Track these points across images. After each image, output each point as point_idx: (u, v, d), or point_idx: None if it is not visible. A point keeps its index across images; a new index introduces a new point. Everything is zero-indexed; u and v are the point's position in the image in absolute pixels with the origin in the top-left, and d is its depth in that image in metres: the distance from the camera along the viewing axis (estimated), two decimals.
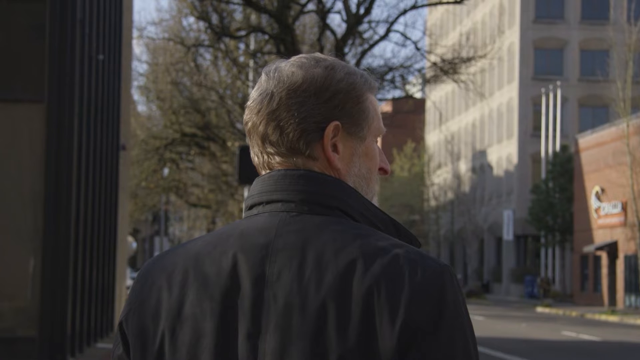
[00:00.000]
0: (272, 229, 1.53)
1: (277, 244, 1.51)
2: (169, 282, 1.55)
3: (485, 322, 29.28)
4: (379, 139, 1.68)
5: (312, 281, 1.46)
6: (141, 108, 42.40)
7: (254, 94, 1.61)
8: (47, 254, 11.77)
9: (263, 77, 1.61)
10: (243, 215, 1.61)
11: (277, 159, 1.58)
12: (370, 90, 1.63)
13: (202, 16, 25.35)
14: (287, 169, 1.57)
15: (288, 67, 1.59)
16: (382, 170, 1.66)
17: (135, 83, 38.67)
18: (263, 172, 1.61)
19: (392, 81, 26.19)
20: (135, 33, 36.89)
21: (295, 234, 1.51)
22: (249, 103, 1.61)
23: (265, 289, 1.48)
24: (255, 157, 1.61)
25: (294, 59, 1.61)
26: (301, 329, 1.44)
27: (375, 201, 1.66)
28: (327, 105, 1.56)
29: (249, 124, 1.60)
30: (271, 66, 1.62)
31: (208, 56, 34.35)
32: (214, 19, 26.10)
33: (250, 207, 1.59)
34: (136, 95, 41.01)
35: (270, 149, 1.58)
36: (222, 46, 29.18)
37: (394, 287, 1.44)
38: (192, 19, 32.19)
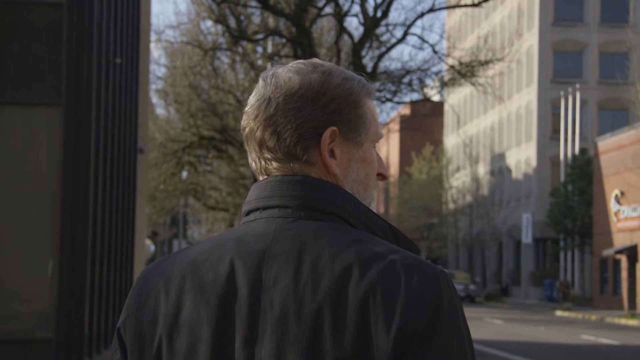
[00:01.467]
0: (269, 234, 1.53)
1: (274, 249, 1.51)
2: (167, 288, 1.55)
3: (504, 326, 29.18)
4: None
5: (308, 287, 1.46)
6: (160, 111, 42.56)
7: (251, 99, 1.61)
8: (64, 256, 11.83)
9: (260, 82, 1.61)
10: (241, 221, 1.61)
11: (275, 164, 1.58)
12: (368, 95, 1.63)
13: (220, 20, 25.41)
14: (284, 174, 1.57)
15: (285, 72, 1.59)
16: (381, 175, 1.66)
17: (153, 86, 38.82)
18: (261, 178, 1.61)
19: (410, 84, 26.16)
20: (153, 36, 37.05)
21: (292, 240, 1.51)
22: (246, 109, 1.62)
23: (262, 294, 1.48)
24: (253, 162, 1.62)
25: (291, 64, 1.61)
26: (297, 335, 1.44)
27: (373, 206, 1.65)
28: (324, 110, 1.56)
29: (247, 129, 1.60)
30: (268, 72, 1.62)
31: (226, 59, 34.44)
32: (232, 22, 26.16)
33: (248, 213, 1.60)
34: (155, 99, 41.15)
35: (267, 155, 1.58)
36: (239, 49, 29.24)
37: (389, 292, 1.44)
38: (210, 23, 32.27)
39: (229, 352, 1.48)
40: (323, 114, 1.56)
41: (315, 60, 1.63)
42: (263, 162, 1.59)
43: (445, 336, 1.44)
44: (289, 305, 1.46)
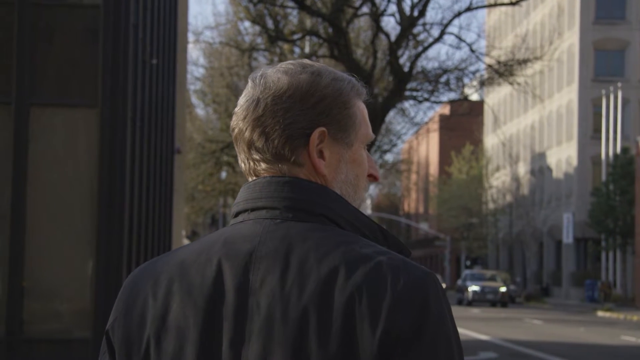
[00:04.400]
0: (256, 236, 1.52)
1: (261, 251, 1.50)
2: (154, 290, 1.54)
3: (543, 327, 28.95)
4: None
5: (294, 289, 1.45)
6: (199, 112, 42.78)
7: (241, 100, 1.60)
8: (101, 256, 11.93)
9: (250, 83, 1.60)
10: (230, 222, 1.60)
11: (263, 165, 1.57)
12: (358, 96, 1.61)
13: (257, 20, 25.49)
14: (273, 175, 1.56)
15: (274, 73, 1.58)
16: (372, 176, 1.64)
17: (192, 87, 39.04)
18: (250, 179, 1.60)
19: (447, 84, 26.05)
20: (191, 37, 37.25)
21: (279, 241, 1.50)
22: (236, 109, 1.61)
23: (248, 296, 1.47)
24: (242, 163, 1.61)
25: (280, 65, 1.60)
26: (283, 337, 1.43)
27: (363, 208, 1.64)
28: (313, 111, 1.55)
29: (235, 130, 1.59)
30: (257, 72, 1.61)
31: (263, 60, 34.52)
32: (269, 23, 26.23)
33: (236, 215, 1.59)
34: (193, 99, 41.39)
35: (256, 156, 1.57)
36: (277, 50, 29.32)
37: (375, 294, 1.43)
38: (248, 23, 32.39)
39: (216, 354, 1.47)
40: (312, 115, 1.55)
41: (304, 60, 1.61)
42: (252, 163, 1.58)
43: (431, 338, 1.42)
44: (275, 307, 1.45)
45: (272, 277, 1.47)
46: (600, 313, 40.28)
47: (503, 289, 44.94)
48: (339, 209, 1.55)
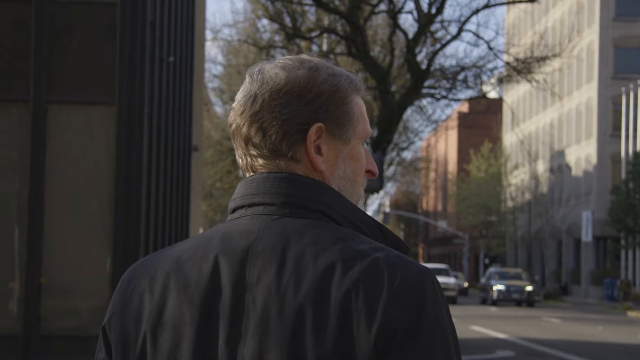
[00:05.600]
0: (253, 232, 1.51)
1: (257, 247, 1.49)
2: (151, 285, 1.54)
3: (562, 325, 28.84)
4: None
5: (291, 285, 1.44)
6: (217, 109, 42.87)
7: (238, 95, 1.60)
8: (118, 253, 11.97)
9: (247, 78, 1.59)
10: (227, 218, 1.60)
11: (260, 161, 1.56)
12: (356, 92, 1.60)
13: (274, 18, 25.50)
14: (270, 171, 1.55)
15: (271, 68, 1.57)
16: (370, 172, 1.63)
17: (210, 85, 39.12)
18: (247, 175, 1.59)
19: (465, 81, 25.98)
20: (209, 35, 37.30)
21: (275, 237, 1.49)
22: (233, 105, 1.60)
23: (245, 292, 1.47)
24: (240, 159, 1.60)
25: (278, 60, 1.60)
26: (279, 334, 1.43)
27: (361, 204, 1.63)
28: (310, 106, 1.54)
29: (233, 125, 1.58)
30: (255, 68, 1.60)
31: (281, 57, 34.58)
32: (287, 20, 26.24)
33: (233, 210, 1.58)
34: (212, 97, 41.47)
35: (253, 151, 1.56)
36: (294, 47, 29.33)
37: (372, 291, 1.42)
38: (266, 21, 32.44)
39: (212, 351, 1.47)
40: (309, 110, 1.54)
41: (302, 56, 1.60)
42: (249, 159, 1.57)
43: (427, 335, 1.41)
44: (271, 304, 1.44)
45: (269, 273, 1.46)
46: (619, 312, 40.06)
47: (529, 288, 43.31)
48: (337, 205, 1.54)
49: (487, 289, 45.10)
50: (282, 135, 1.54)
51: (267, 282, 1.46)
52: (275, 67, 1.57)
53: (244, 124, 1.56)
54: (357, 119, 1.59)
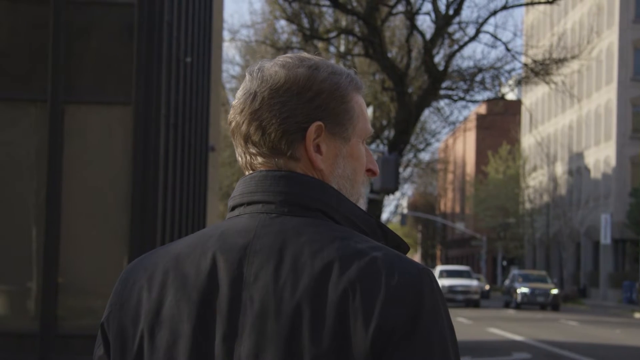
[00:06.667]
0: (251, 230, 1.51)
1: (256, 245, 1.49)
2: (150, 282, 1.54)
3: (579, 328, 28.71)
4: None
5: (288, 283, 1.44)
6: None
7: (238, 93, 1.59)
8: (135, 253, 12.01)
9: (247, 76, 1.59)
10: (227, 216, 1.60)
11: (259, 159, 1.56)
12: (356, 90, 1.59)
13: (292, 19, 25.53)
14: (269, 169, 1.55)
15: (271, 66, 1.57)
16: (370, 171, 1.62)
17: (228, 85, 39.18)
18: (246, 173, 1.59)
19: (482, 83, 25.92)
20: (227, 36, 37.40)
21: (274, 236, 1.49)
22: (233, 102, 1.60)
23: (242, 290, 1.47)
24: (239, 157, 1.60)
25: (278, 58, 1.59)
26: (275, 332, 1.42)
27: (361, 203, 1.62)
28: (310, 105, 1.54)
29: (233, 123, 1.58)
30: (255, 66, 1.60)
31: None
32: (305, 21, 26.27)
33: (233, 208, 1.58)
34: (230, 97, 41.53)
35: (252, 150, 1.56)
36: (312, 48, 29.37)
37: (369, 290, 1.41)
38: (284, 22, 32.48)
39: (209, 348, 1.47)
40: (308, 109, 1.54)
41: (303, 54, 1.60)
42: (248, 157, 1.57)
43: (425, 336, 1.41)
44: (268, 302, 1.44)
45: (266, 272, 1.46)
46: (638, 315, 39.84)
47: (555, 291, 42.16)
48: (336, 204, 1.54)
49: (510, 291, 43.89)
50: (281, 134, 1.53)
51: (264, 281, 1.46)
52: (275, 65, 1.57)
53: (243, 122, 1.56)
54: (357, 118, 1.59)
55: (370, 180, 1.69)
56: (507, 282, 46.45)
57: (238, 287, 1.47)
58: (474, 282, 43.99)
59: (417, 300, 1.42)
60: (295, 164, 1.55)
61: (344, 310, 1.41)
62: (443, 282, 42.89)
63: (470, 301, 42.55)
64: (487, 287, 57.78)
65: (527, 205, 65.09)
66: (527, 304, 42.20)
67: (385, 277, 1.42)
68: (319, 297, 1.42)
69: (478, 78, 25.85)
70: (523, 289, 42.34)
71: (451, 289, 42.52)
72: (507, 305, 44.10)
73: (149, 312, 1.52)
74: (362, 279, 1.42)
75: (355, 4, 24.29)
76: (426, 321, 1.41)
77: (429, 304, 1.42)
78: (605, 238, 54.60)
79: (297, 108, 1.54)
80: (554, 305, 41.90)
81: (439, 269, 46.91)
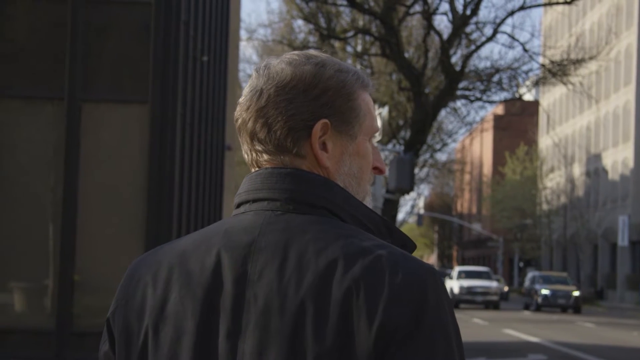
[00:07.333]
0: (256, 227, 1.51)
1: (260, 242, 1.49)
2: (155, 279, 1.54)
3: (595, 330, 28.59)
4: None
5: (292, 281, 1.44)
6: None
7: (245, 90, 1.59)
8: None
9: (253, 74, 1.59)
10: (232, 213, 1.60)
11: (265, 156, 1.56)
12: (363, 88, 1.59)
13: (310, 18, 25.54)
14: (275, 167, 1.55)
15: (278, 63, 1.57)
16: (377, 169, 1.62)
17: (244, 85, 39.21)
18: (252, 170, 1.59)
19: (499, 83, 25.85)
20: (244, 35, 37.48)
21: (279, 233, 1.49)
22: (240, 100, 1.60)
23: (246, 288, 1.47)
24: (245, 154, 1.60)
25: (285, 55, 1.59)
26: (279, 330, 1.42)
27: (368, 201, 1.62)
28: (316, 102, 1.53)
29: (239, 120, 1.58)
30: (262, 63, 1.60)
31: None
32: (322, 21, 26.29)
33: (238, 206, 1.58)
34: None
35: (258, 147, 1.56)
36: (329, 48, 29.37)
37: (373, 288, 1.41)
38: (301, 21, 32.51)
39: (213, 345, 1.47)
40: (314, 106, 1.53)
41: (310, 51, 1.60)
42: (254, 154, 1.57)
43: (428, 335, 1.40)
44: (272, 300, 1.44)
45: (271, 269, 1.46)
46: None
47: (576, 293, 41.41)
48: (341, 202, 1.53)
49: (531, 293, 43.01)
50: (287, 131, 1.53)
51: (268, 278, 1.46)
52: (282, 63, 1.56)
53: (249, 119, 1.56)
54: (363, 115, 1.58)
55: (374, 178, 1.68)
56: (526, 283, 45.70)
57: (242, 284, 1.47)
58: (493, 284, 43.34)
59: (422, 299, 1.41)
60: (301, 162, 1.55)
61: (348, 308, 1.41)
62: (462, 283, 42.41)
63: (490, 303, 41.87)
64: (505, 288, 57.23)
65: (545, 207, 64.86)
66: (547, 306, 41.48)
67: (389, 275, 1.42)
68: (323, 294, 1.42)
69: (495, 78, 25.80)
70: (544, 291, 41.56)
71: (470, 290, 41.98)
72: (527, 307, 43.26)
73: (154, 309, 1.52)
74: (366, 277, 1.42)
75: (372, 3, 24.28)
76: (430, 319, 1.41)
77: (433, 302, 1.42)
78: (623, 240, 54.34)
79: (303, 105, 1.53)
80: (575, 307, 41.18)
81: (457, 269, 46.41)
